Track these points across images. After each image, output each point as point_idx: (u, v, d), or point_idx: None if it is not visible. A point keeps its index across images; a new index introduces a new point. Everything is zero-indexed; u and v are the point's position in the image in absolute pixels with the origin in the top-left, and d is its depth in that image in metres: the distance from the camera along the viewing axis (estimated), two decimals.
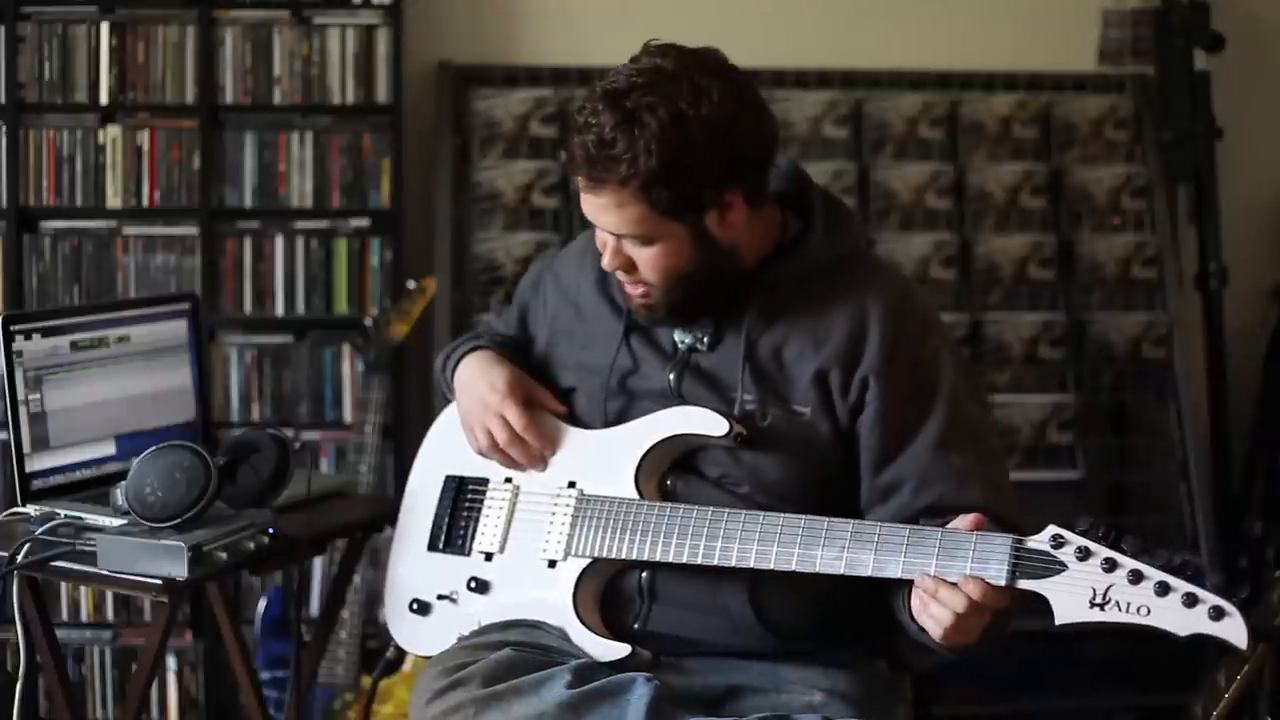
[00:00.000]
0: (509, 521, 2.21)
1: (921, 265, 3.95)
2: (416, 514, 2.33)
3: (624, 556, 2.08)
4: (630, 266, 2.06)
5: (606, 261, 2.07)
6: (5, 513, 2.45)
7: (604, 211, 2.02)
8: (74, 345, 2.54)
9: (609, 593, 2.12)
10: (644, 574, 2.09)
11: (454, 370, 2.29)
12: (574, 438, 2.20)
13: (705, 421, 2.08)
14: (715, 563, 2.00)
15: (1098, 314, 4.03)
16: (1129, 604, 1.75)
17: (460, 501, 2.26)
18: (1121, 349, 4.00)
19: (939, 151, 4.09)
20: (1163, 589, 1.73)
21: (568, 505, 2.15)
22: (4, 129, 3.92)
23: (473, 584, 2.20)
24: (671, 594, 2.08)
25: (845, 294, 2.08)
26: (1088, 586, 1.76)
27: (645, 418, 2.13)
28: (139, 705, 2.47)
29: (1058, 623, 1.79)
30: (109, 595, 3.87)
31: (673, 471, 2.12)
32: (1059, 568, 1.79)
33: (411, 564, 2.30)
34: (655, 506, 2.07)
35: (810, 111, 4.05)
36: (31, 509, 2.44)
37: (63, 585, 3.81)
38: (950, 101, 4.12)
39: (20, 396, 2.46)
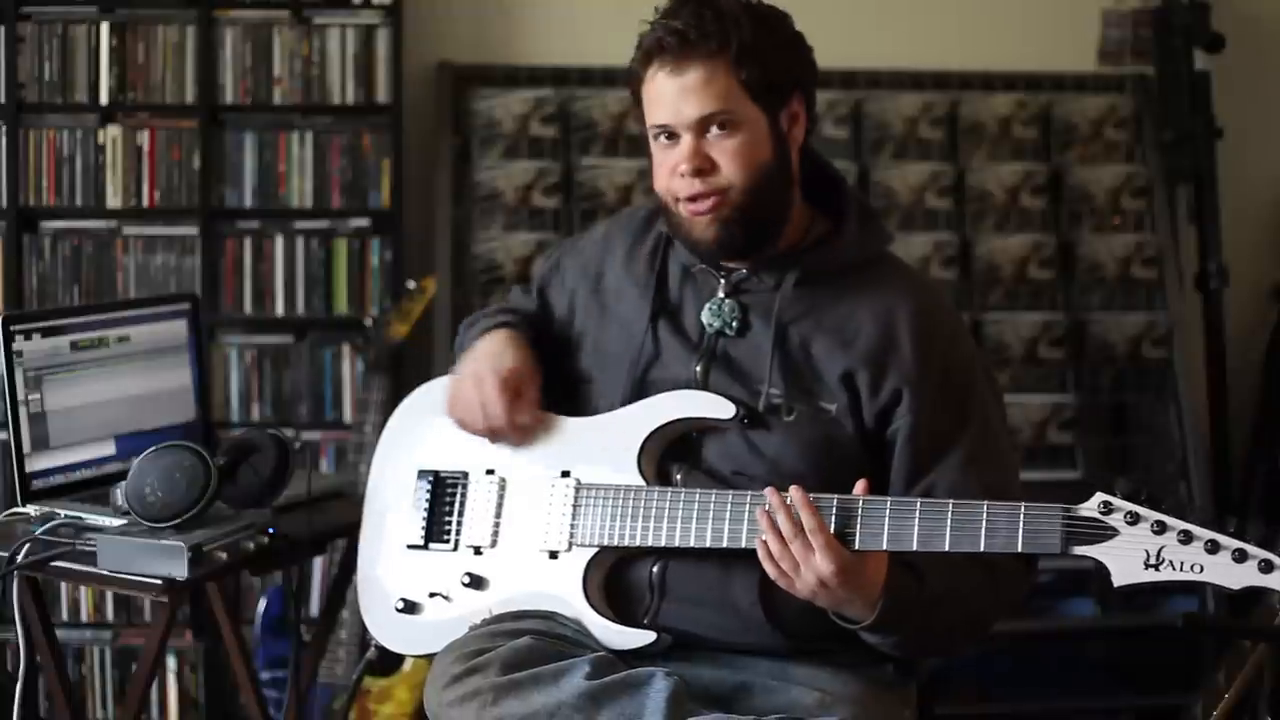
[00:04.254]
0: (498, 514, 2.18)
1: (921, 265, 3.94)
2: (387, 511, 2.27)
3: (634, 543, 2.06)
4: (710, 166, 2.05)
5: (686, 165, 2.04)
6: (5, 513, 2.46)
7: (690, 95, 2.02)
8: (74, 345, 2.54)
9: (618, 587, 2.11)
10: (654, 568, 2.09)
11: (475, 339, 2.25)
12: (566, 426, 2.17)
13: (710, 404, 2.08)
14: (742, 545, 1.98)
15: (1098, 314, 4.03)
16: (1182, 563, 1.80)
17: (440, 495, 2.22)
18: (1121, 349, 4.00)
19: (939, 151, 4.10)
20: (1213, 547, 1.79)
21: (565, 495, 2.13)
22: (4, 129, 3.92)
23: (467, 580, 2.16)
24: (681, 590, 2.08)
25: (873, 294, 2.09)
26: (1141, 549, 1.82)
27: (642, 402, 2.12)
28: (139, 705, 2.47)
29: (1116, 585, 1.84)
30: (109, 595, 3.88)
31: (681, 467, 2.10)
32: (1111, 533, 1.83)
33: (391, 562, 2.25)
34: (664, 491, 2.06)
35: None
36: (31, 509, 2.44)
37: (63, 585, 3.81)
38: (950, 101, 4.12)
39: (20, 396, 2.46)
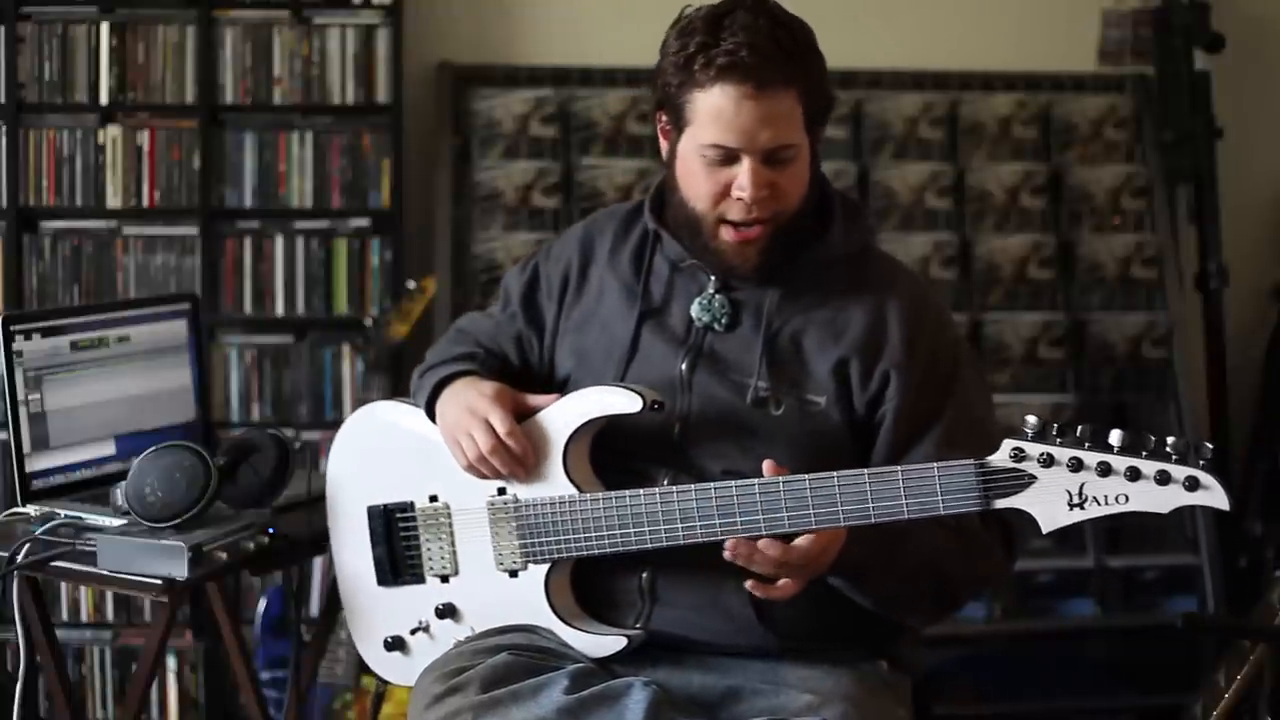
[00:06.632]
0: (452, 540, 2.17)
1: (921, 265, 3.94)
2: (352, 553, 2.25)
3: (582, 554, 2.07)
4: (771, 193, 2.02)
5: (751, 192, 1.99)
6: (5, 513, 2.46)
7: (768, 122, 1.97)
8: (74, 345, 2.54)
9: (608, 595, 2.11)
10: (645, 575, 2.09)
11: (433, 387, 2.22)
12: None
13: (617, 399, 2.05)
14: (681, 543, 1.98)
15: (1098, 314, 4.03)
16: (1106, 496, 1.76)
17: (394, 530, 2.21)
18: (1121, 349, 4.00)
19: (939, 151, 4.10)
20: (1133, 474, 1.75)
21: (506, 513, 2.11)
22: (4, 129, 3.92)
23: (440, 610, 2.18)
24: (673, 595, 2.08)
25: (863, 287, 2.10)
26: (1061, 490, 1.78)
27: (553, 406, 2.09)
28: (139, 705, 2.47)
29: (1044, 531, 1.80)
30: (109, 595, 3.88)
31: (668, 472, 2.09)
32: (1029, 479, 1.80)
33: (369, 603, 2.24)
34: (597, 499, 2.05)
35: None
36: (31, 509, 2.44)
37: (63, 585, 3.81)
38: (950, 101, 4.12)
39: (20, 396, 2.46)
